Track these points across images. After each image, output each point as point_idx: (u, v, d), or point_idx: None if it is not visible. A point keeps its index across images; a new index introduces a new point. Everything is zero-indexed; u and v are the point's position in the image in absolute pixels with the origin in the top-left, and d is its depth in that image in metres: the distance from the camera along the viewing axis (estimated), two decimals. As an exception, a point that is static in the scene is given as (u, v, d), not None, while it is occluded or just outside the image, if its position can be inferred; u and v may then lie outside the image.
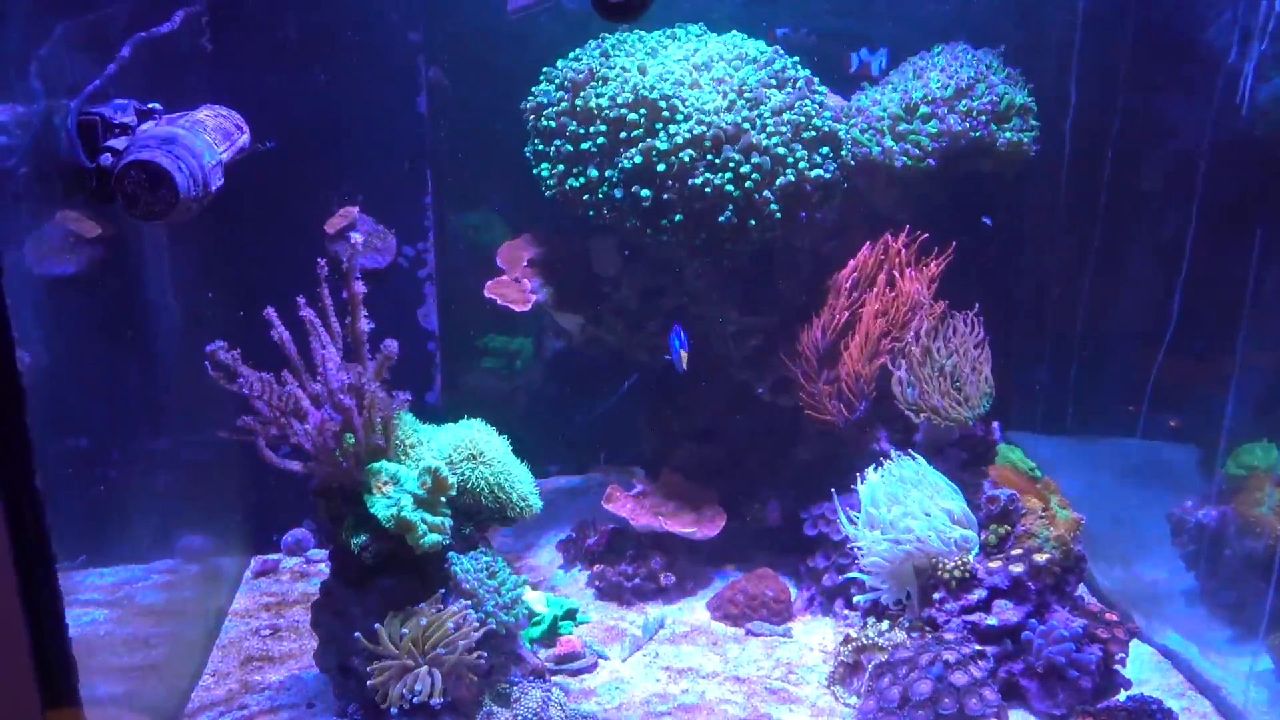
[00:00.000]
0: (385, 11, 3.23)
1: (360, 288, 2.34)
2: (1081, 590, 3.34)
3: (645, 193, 2.87)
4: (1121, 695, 2.72)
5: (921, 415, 3.01)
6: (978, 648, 2.68)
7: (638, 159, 2.87)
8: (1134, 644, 3.08)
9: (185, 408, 2.98)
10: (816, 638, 3.03)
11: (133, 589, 3.12)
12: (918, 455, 2.97)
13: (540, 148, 3.13)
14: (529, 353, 4.07)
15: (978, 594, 2.78)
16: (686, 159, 2.84)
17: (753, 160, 2.86)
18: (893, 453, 3.04)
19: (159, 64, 2.75)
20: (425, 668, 2.39)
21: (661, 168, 2.86)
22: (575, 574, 3.37)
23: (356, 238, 2.28)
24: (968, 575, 2.79)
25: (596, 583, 3.25)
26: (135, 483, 3.18)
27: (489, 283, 3.27)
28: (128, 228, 3.06)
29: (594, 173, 2.95)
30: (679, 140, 2.85)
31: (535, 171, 3.13)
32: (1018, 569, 2.78)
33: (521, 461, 2.74)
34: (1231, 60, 2.70)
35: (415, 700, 2.34)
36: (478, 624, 2.45)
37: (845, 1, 3.56)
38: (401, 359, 3.44)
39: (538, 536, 3.64)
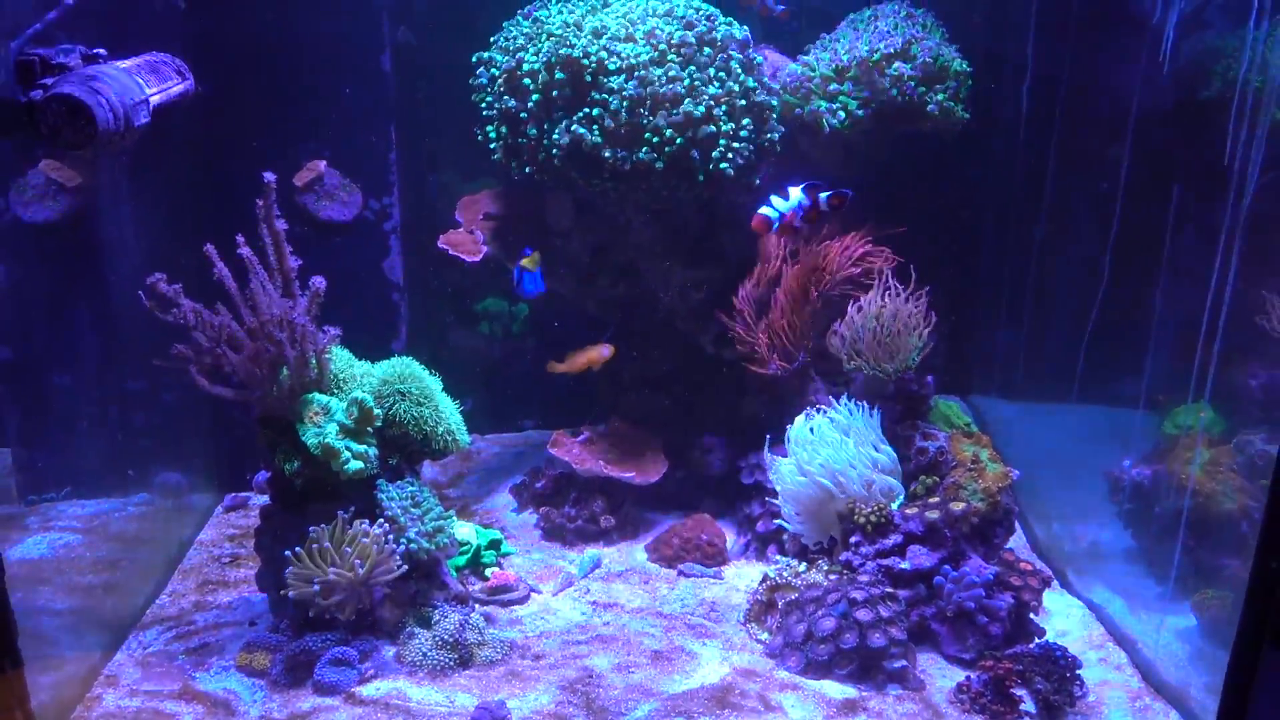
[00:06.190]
0: (351, -29, 3.37)
1: (281, 225, 2.48)
2: (1020, 543, 3.42)
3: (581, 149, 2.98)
4: (1034, 643, 2.78)
5: (852, 364, 3.09)
6: (889, 590, 2.77)
7: (572, 124, 2.98)
8: (1062, 598, 3.15)
9: (165, 351, 3.18)
10: (746, 580, 3.13)
11: (108, 519, 3.33)
12: (853, 402, 3.06)
13: (489, 101, 3.23)
14: (524, 315, 4.19)
15: (893, 539, 2.86)
16: (623, 117, 2.94)
17: (674, 116, 2.95)
18: (827, 401, 3.13)
19: (129, 17, 2.92)
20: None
21: (595, 129, 2.96)
22: (525, 516, 3.50)
23: (271, 176, 2.40)
24: (884, 520, 2.88)
25: (542, 524, 3.38)
26: (115, 421, 3.37)
27: (442, 235, 3.40)
28: (113, 180, 3.25)
29: (533, 131, 3.05)
30: (611, 102, 2.95)
31: (479, 135, 3.22)
32: (933, 515, 2.85)
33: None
34: (1156, 19, 2.73)
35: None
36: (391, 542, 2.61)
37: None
38: (367, 309, 3.61)
39: (500, 482, 3.78)
